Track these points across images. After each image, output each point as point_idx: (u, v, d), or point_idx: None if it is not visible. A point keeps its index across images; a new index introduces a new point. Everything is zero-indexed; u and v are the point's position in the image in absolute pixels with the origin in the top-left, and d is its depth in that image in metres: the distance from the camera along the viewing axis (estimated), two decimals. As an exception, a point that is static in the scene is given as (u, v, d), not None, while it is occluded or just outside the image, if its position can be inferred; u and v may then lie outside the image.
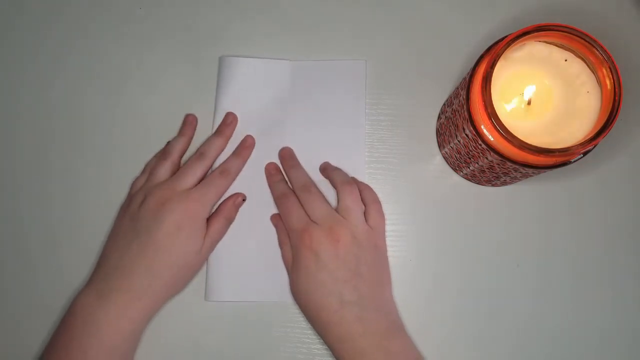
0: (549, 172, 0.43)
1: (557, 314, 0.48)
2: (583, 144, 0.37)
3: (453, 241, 0.50)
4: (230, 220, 0.49)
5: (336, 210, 0.46)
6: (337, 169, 0.50)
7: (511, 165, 0.40)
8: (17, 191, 0.51)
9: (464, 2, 0.53)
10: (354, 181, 0.49)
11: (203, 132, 0.51)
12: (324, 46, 0.53)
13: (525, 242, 0.49)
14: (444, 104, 0.50)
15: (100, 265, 0.45)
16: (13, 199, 0.51)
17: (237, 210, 0.50)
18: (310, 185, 0.48)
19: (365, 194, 0.49)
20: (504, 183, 0.48)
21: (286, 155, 0.51)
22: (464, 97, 0.41)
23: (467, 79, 0.41)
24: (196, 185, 0.47)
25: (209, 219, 0.47)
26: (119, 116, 0.52)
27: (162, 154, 0.50)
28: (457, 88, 0.45)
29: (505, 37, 0.39)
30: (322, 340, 0.45)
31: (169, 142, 0.51)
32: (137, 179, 0.50)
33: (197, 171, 0.48)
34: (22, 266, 0.50)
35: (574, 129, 0.39)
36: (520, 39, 0.38)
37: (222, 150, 0.50)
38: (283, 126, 0.51)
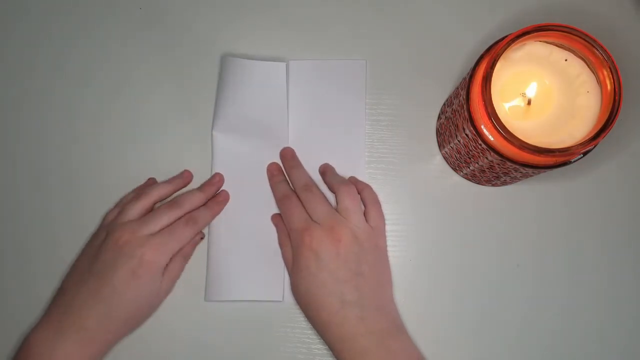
0: (549, 172, 0.43)
1: (557, 314, 0.48)
2: (583, 144, 0.37)
3: (453, 241, 0.50)
4: (187, 258, 0.49)
5: (336, 210, 0.46)
6: (333, 172, 0.50)
7: (511, 165, 0.40)
8: (16, 193, 0.51)
9: (464, 3, 0.53)
10: (352, 181, 0.49)
11: (202, 133, 0.51)
12: (324, 46, 0.53)
13: (525, 242, 0.49)
14: (444, 104, 0.50)
15: (57, 300, 0.45)
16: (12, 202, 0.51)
17: (194, 248, 0.49)
18: (312, 185, 0.48)
19: (364, 194, 0.49)
20: (504, 183, 0.48)
21: (287, 155, 0.51)
22: (464, 97, 0.41)
23: (467, 79, 0.41)
24: (160, 231, 0.46)
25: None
26: (117, 116, 0.52)
27: (138, 193, 0.48)
28: (457, 88, 0.45)
29: (505, 37, 0.39)
30: (322, 340, 0.45)
31: (151, 184, 0.50)
32: (109, 211, 0.49)
33: (164, 219, 0.46)
34: (21, 268, 0.50)
35: (574, 129, 0.39)
36: (520, 39, 0.38)
37: (198, 206, 0.48)
38: (283, 126, 0.51)
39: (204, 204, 0.49)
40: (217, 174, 0.51)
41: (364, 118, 0.51)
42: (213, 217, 0.49)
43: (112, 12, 0.54)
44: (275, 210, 0.50)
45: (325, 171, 0.50)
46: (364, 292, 0.44)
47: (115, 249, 0.44)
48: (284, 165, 0.51)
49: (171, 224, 0.47)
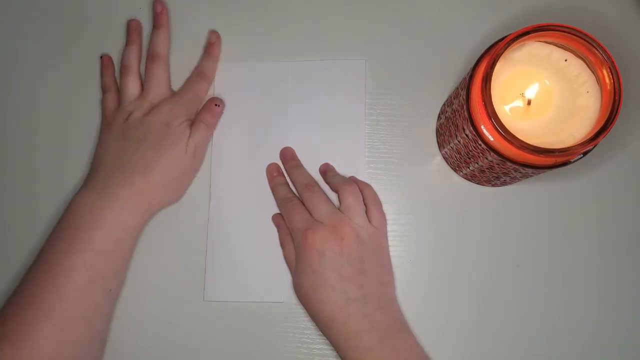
0: (549, 172, 0.43)
1: (557, 314, 0.48)
2: (583, 144, 0.37)
3: (453, 241, 0.50)
4: (210, 125, 0.50)
5: (339, 210, 0.46)
6: (334, 171, 0.50)
7: (511, 166, 0.40)
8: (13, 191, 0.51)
9: (463, 2, 0.53)
10: (354, 181, 0.49)
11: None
12: (324, 46, 0.53)
13: (525, 243, 0.49)
14: (444, 104, 0.50)
15: (95, 169, 0.47)
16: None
17: (216, 116, 0.51)
18: (313, 184, 0.48)
19: (366, 193, 0.49)
20: (504, 183, 0.48)
21: (287, 155, 0.51)
22: (464, 97, 0.41)
23: (467, 79, 0.41)
24: (170, 91, 0.50)
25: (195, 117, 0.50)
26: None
27: (123, 70, 0.50)
28: (457, 88, 0.45)
29: (505, 37, 0.39)
30: (325, 339, 0.45)
31: (123, 55, 0.51)
32: (104, 99, 0.51)
33: (162, 79, 0.50)
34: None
35: (574, 129, 0.39)
36: (520, 39, 0.38)
37: (169, 42, 0.52)
38: (283, 127, 0.51)
39: (205, 52, 0.52)
40: (157, 1, 0.52)
41: (363, 118, 0.51)
42: (217, 61, 0.52)
43: (112, 12, 0.54)
44: (275, 210, 0.50)
45: (326, 170, 0.50)
46: (367, 290, 0.44)
47: (144, 115, 0.48)
48: (284, 166, 0.51)
49: (169, 75, 0.51)
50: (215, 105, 0.50)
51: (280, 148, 0.51)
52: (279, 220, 0.49)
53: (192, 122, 0.49)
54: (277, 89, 0.51)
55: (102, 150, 0.48)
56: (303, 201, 0.47)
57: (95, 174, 0.46)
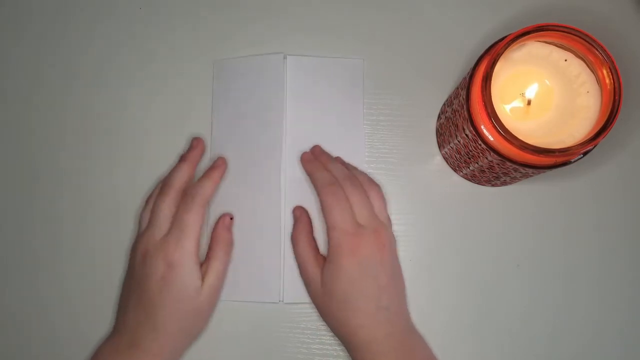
0: (549, 172, 0.43)
1: (557, 314, 0.48)
2: (583, 144, 0.37)
3: (453, 241, 0.50)
4: (228, 244, 0.47)
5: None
6: (343, 162, 0.49)
7: (511, 165, 0.40)
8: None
9: (463, 2, 0.53)
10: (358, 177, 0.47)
11: (201, 134, 0.51)
12: (323, 46, 0.53)
13: (525, 242, 0.49)
14: (444, 104, 0.50)
15: (116, 317, 0.45)
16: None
17: (230, 231, 0.48)
18: (355, 178, 0.46)
19: (374, 192, 0.47)
20: (504, 183, 0.48)
21: (318, 151, 0.50)
22: (464, 97, 0.41)
23: (467, 79, 0.41)
24: (172, 228, 0.44)
25: (208, 252, 0.46)
26: (118, 115, 0.52)
27: (162, 188, 0.46)
28: (457, 88, 0.45)
29: (505, 37, 0.39)
30: (324, 339, 0.45)
31: (180, 165, 0.47)
32: (141, 212, 0.47)
33: (164, 211, 0.44)
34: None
35: (574, 129, 0.39)
36: (520, 39, 0.38)
37: (189, 177, 0.47)
38: (281, 123, 0.51)
39: (204, 175, 0.47)
40: (195, 138, 0.50)
41: (362, 117, 0.51)
42: (213, 185, 0.46)
43: (112, 12, 0.54)
44: (273, 207, 0.49)
45: (327, 160, 0.48)
46: (394, 297, 0.43)
47: (142, 263, 0.43)
48: (313, 166, 0.48)
49: (176, 210, 0.44)
50: (231, 219, 0.48)
51: (278, 144, 0.50)
52: (302, 213, 0.48)
53: (208, 248, 0.46)
54: (272, 83, 0.51)
55: (121, 295, 0.46)
56: (346, 193, 0.44)
57: (115, 324, 0.45)
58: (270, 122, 0.51)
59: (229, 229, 0.48)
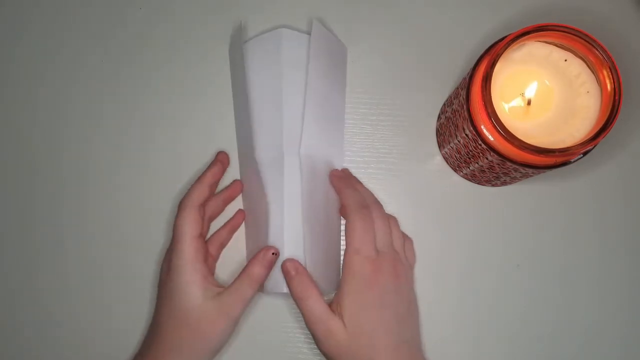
0: (549, 172, 0.43)
1: (558, 314, 0.48)
2: (583, 144, 0.37)
3: (453, 241, 0.50)
4: (254, 280, 0.43)
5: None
6: (364, 189, 0.48)
7: (511, 165, 0.40)
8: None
9: (463, 2, 0.53)
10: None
11: (216, 127, 0.51)
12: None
13: (526, 243, 0.49)
14: (444, 104, 0.50)
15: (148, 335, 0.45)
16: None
17: (265, 268, 0.43)
18: (380, 204, 0.46)
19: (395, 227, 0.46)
20: (504, 183, 0.48)
21: (348, 172, 0.50)
22: (464, 97, 0.41)
23: (467, 79, 0.41)
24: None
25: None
26: (122, 115, 0.52)
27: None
28: (457, 88, 0.45)
29: (505, 37, 0.39)
30: None
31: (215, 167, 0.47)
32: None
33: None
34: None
35: (574, 129, 0.39)
36: (520, 39, 0.38)
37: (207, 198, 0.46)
38: (278, 125, 0.48)
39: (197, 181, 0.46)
40: (222, 153, 0.49)
41: (344, 103, 0.51)
42: (201, 187, 0.45)
43: (112, 12, 0.54)
44: (274, 206, 0.46)
45: (348, 184, 0.47)
46: (414, 330, 0.43)
47: (160, 283, 0.45)
48: (343, 182, 0.47)
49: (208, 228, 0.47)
50: (273, 254, 0.43)
51: (278, 134, 0.47)
52: (297, 265, 0.43)
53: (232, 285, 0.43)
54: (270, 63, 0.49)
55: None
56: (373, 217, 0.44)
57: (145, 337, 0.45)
58: (268, 117, 0.48)
59: (265, 265, 0.43)
